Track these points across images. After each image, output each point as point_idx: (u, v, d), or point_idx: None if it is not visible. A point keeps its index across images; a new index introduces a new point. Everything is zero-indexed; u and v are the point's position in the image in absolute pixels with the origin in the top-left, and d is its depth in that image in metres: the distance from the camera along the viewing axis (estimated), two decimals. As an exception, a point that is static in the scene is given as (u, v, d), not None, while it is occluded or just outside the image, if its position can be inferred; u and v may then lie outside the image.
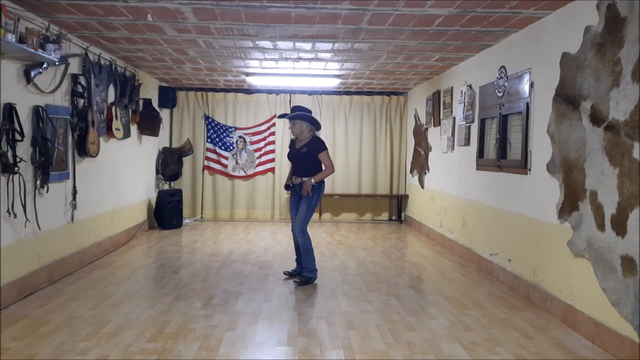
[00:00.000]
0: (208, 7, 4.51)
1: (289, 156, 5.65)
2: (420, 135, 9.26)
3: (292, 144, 5.66)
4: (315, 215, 10.38)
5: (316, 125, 5.53)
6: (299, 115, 5.45)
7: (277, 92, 10.12)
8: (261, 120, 10.16)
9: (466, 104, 6.69)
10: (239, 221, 10.09)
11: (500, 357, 3.53)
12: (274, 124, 10.15)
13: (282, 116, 5.75)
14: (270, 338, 3.84)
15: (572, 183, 4.09)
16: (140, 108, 8.05)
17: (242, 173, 10.19)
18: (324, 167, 5.46)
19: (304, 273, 5.41)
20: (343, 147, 10.35)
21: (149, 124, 8.35)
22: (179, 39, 5.71)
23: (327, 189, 10.28)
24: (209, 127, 10.14)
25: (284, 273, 5.67)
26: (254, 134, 10.09)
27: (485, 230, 6.04)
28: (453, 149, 7.31)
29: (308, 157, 5.42)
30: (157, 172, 9.26)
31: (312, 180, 5.33)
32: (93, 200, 6.31)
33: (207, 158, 10.19)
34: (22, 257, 4.71)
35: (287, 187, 5.65)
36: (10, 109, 4.41)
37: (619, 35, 3.52)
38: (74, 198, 5.73)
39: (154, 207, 8.93)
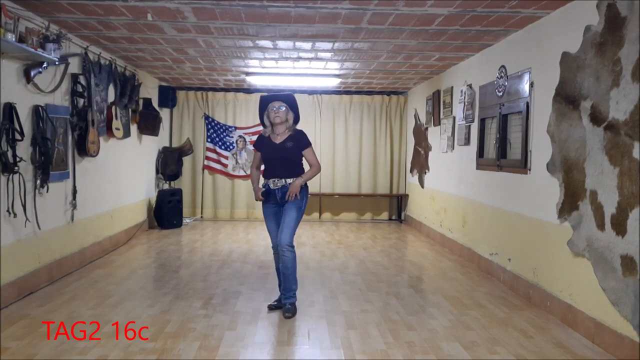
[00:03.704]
0: (208, 7, 4.51)
1: (265, 154, 4.45)
2: (420, 134, 9.26)
3: (265, 139, 4.49)
4: (315, 215, 10.38)
5: (297, 118, 4.55)
6: (290, 98, 4.46)
7: (277, 91, 10.11)
8: (261, 119, 10.15)
9: (466, 103, 6.69)
10: (239, 221, 10.09)
11: (500, 356, 3.53)
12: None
13: (267, 97, 4.51)
14: (270, 338, 3.84)
15: (572, 183, 4.09)
16: (140, 108, 8.05)
17: (242, 173, 10.19)
18: (308, 166, 4.49)
19: (290, 300, 4.37)
20: (343, 147, 10.35)
21: (149, 124, 8.35)
22: (179, 38, 5.71)
23: (327, 189, 10.33)
24: (209, 126, 10.14)
25: (269, 307, 4.47)
26: (254, 133, 10.08)
27: (485, 230, 6.04)
28: (453, 149, 7.31)
29: (295, 153, 4.41)
30: (157, 171, 9.26)
31: (302, 180, 4.37)
32: (93, 200, 6.31)
33: (207, 158, 10.18)
34: (22, 256, 4.71)
35: (265, 194, 4.43)
36: (10, 109, 4.41)
37: (619, 35, 3.52)
38: (74, 198, 5.73)
39: (154, 206, 8.93)
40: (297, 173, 4.42)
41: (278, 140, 4.43)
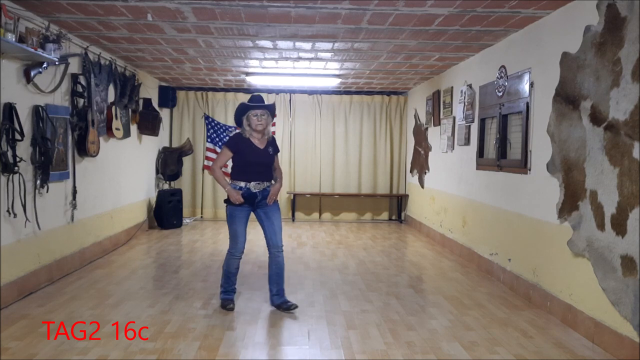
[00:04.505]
0: (208, 7, 4.51)
1: (249, 157, 4.45)
2: (420, 135, 9.26)
3: (246, 142, 4.46)
4: (315, 215, 10.39)
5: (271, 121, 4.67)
6: (271, 108, 4.58)
7: (277, 91, 10.12)
8: (261, 120, 10.14)
9: (466, 103, 6.69)
10: (239, 221, 10.07)
11: (500, 356, 3.53)
12: (273, 124, 10.14)
13: (249, 105, 4.48)
14: (270, 338, 3.84)
15: (572, 183, 4.09)
16: (140, 108, 8.05)
17: (242, 173, 10.17)
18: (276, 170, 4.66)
19: (285, 298, 4.53)
20: (343, 147, 10.35)
21: (148, 124, 8.35)
22: (178, 38, 5.71)
23: (327, 189, 10.36)
24: (209, 126, 10.12)
25: (230, 308, 4.49)
26: (254, 133, 10.08)
27: (485, 230, 6.04)
28: (453, 149, 7.31)
29: (273, 159, 4.58)
30: (157, 171, 9.26)
31: (281, 183, 4.60)
32: (93, 200, 6.31)
33: (207, 158, 10.17)
34: (22, 256, 4.71)
35: (246, 196, 4.39)
36: (10, 109, 4.41)
37: (619, 35, 3.52)
38: (74, 198, 5.73)
39: (154, 206, 8.93)
40: (272, 177, 4.58)
41: (261, 145, 4.50)
